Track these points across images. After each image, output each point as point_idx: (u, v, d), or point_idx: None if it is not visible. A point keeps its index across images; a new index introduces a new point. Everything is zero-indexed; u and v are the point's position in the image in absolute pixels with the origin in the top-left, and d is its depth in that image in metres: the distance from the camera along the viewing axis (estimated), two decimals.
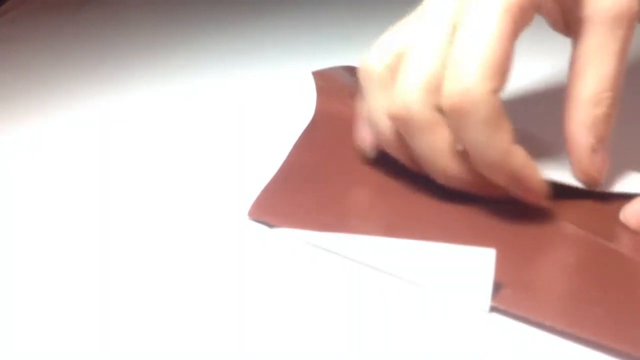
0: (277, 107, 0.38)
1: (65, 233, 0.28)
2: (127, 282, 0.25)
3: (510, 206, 0.27)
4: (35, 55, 0.49)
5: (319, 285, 0.25)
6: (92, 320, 0.23)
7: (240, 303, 0.24)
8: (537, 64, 0.41)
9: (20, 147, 0.35)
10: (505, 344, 0.22)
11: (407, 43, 0.26)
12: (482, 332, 0.22)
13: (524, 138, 0.30)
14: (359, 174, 0.31)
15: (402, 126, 0.26)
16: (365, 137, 0.30)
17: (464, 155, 0.25)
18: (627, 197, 0.27)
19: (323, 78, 0.39)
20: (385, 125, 0.27)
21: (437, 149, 0.25)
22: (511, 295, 0.23)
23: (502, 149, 0.24)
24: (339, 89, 0.37)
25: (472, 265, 0.23)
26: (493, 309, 0.23)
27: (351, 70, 0.38)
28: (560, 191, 0.28)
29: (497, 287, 0.23)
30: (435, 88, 0.24)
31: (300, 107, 0.37)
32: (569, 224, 0.26)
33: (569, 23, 0.26)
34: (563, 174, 0.28)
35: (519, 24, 0.23)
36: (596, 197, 0.28)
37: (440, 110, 0.25)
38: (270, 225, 0.28)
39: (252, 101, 0.39)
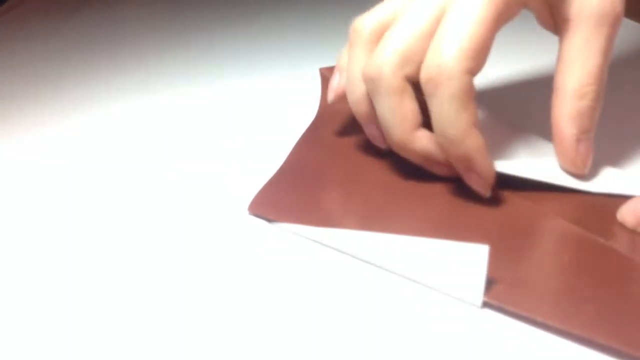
0: (281, 104, 0.38)
1: (65, 232, 0.28)
2: (129, 274, 0.25)
3: (506, 203, 0.28)
4: (35, 55, 0.49)
5: (316, 278, 0.25)
6: (95, 314, 0.23)
7: (239, 296, 0.24)
8: (528, 61, 0.41)
9: (20, 147, 0.35)
10: (497, 339, 0.22)
11: (396, 14, 0.28)
12: (474, 328, 0.22)
13: (509, 133, 0.30)
14: (359, 171, 0.31)
15: (372, 87, 0.27)
16: (373, 132, 0.30)
17: (421, 132, 0.27)
18: (625, 196, 0.27)
19: (330, 74, 0.39)
20: (359, 86, 0.29)
21: (398, 115, 0.27)
22: (504, 291, 0.23)
23: (463, 128, 0.25)
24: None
25: (466, 261, 0.23)
26: (485, 304, 0.23)
27: None
28: (557, 188, 0.28)
29: (490, 283, 0.23)
30: (410, 59, 0.26)
31: (304, 105, 0.37)
32: (564, 220, 0.26)
33: (556, 21, 0.28)
34: (545, 171, 0.28)
35: (502, 15, 0.25)
36: (594, 195, 0.28)
37: (411, 81, 0.27)
38: (269, 220, 0.28)
39: (256, 98, 0.39)
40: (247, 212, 0.28)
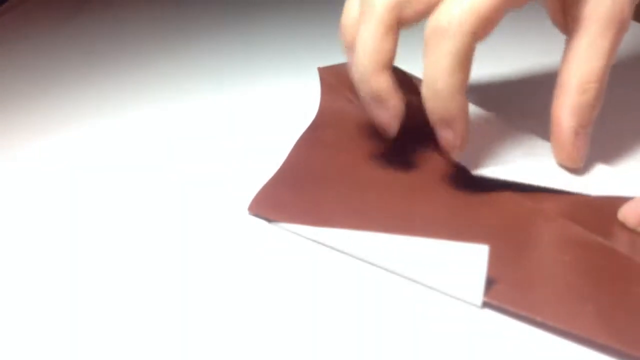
0: (281, 105, 0.38)
1: (65, 232, 0.28)
2: (129, 273, 0.25)
3: (506, 203, 0.28)
4: (36, 55, 0.49)
5: (316, 278, 0.25)
6: (96, 313, 0.23)
7: (239, 296, 0.24)
8: (529, 61, 0.41)
9: (19, 147, 0.35)
10: (497, 339, 0.22)
11: None
12: (474, 328, 0.22)
13: (506, 132, 0.30)
14: (359, 171, 0.31)
15: (363, 10, 0.28)
16: (380, 114, 0.30)
17: (386, 74, 0.28)
18: (625, 196, 0.27)
19: (328, 74, 0.39)
20: (353, 10, 0.29)
21: (375, 46, 0.27)
22: (504, 291, 0.23)
23: (453, 86, 0.26)
24: (343, 85, 0.37)
25: (465, 261, 0.23)
26: (485, 304, 0.23)
27: None
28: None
29: (490, 283, 0.23)
30: (409, 3, 0.27)
31: (304, 105, 0.37)
32: (565, 220, 0.26)
33: (567, 20, 0.29)
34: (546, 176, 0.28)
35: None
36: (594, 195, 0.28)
37: (401, 24, 0.27)
38: (269, 220, 0.28)
39: (256, 98, 0.39)
40: (247, 212, 0.28)
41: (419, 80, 0.27)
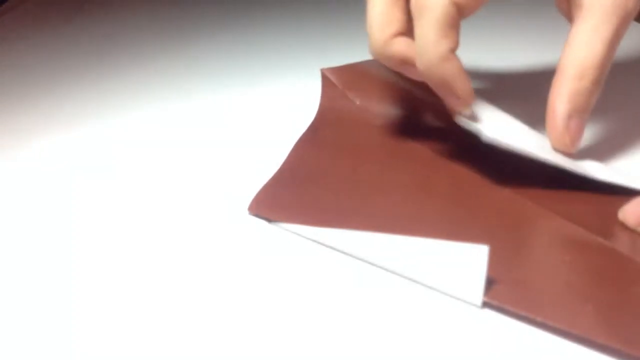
0: (281, 105, 0.38)
1: (66, 233, 0.28)
2: (129, 273, 0.25)
3: (506, 203, 0.28)
4: (35, 55, 0.49)
5: (316, 278, 0.25)
6: (96, 314, 0.23)
7: (239, 296, 0.24)
8: (530, 58, 0.41)
9: (19, 147, 0.35)
10: (497, 339, 0.22)
11: None
12: (474, 328, 0.22)
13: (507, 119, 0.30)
14: (359, 171, 0.31)
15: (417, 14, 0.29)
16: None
17: (401, 38, 0.29)
18: (626, 196, 0.27)
19: (331, 75, 0.39)
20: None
21: (384, 19, 0.29)
22: (504, 291, 0.23)
23: (442, 52, 0.27)
24: (345, 86, 0.37)
25: (465, 261, 0.23)
26: (485, 304, 0.23)
27: (361, 66, 0.38)
28: (558, 187, 0.28)
29: (490, 283, 0.23)
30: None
31: (304, 105, 0.37)
32: (565, 220, 0.26)
33: (570, 6, 0.29)
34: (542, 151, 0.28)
35: None
36: (596, 194, 0.28)
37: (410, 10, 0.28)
38: (269, 220, 0.28)
39: (256, 98, 0.39)
40: (247, 212, 0.28)
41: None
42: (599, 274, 0.24)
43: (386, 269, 0.25)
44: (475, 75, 0.40)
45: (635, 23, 0.44)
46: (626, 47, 0.41)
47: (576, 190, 0.28)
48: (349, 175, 0.30)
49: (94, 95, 0.41)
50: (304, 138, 0.34)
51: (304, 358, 0.21)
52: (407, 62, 0.29)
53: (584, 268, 0.24)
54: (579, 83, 0.27)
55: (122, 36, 0.52)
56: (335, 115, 0.35)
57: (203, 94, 0.41)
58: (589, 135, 0.33)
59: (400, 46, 0.29)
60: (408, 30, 0.29)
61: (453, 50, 0.27)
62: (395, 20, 0.29)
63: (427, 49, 0.27)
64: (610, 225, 0.26)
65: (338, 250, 0.26)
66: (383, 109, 0.35)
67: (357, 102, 0.36)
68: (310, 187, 0.30)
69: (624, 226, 0.26)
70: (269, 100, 0.39)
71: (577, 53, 0.28)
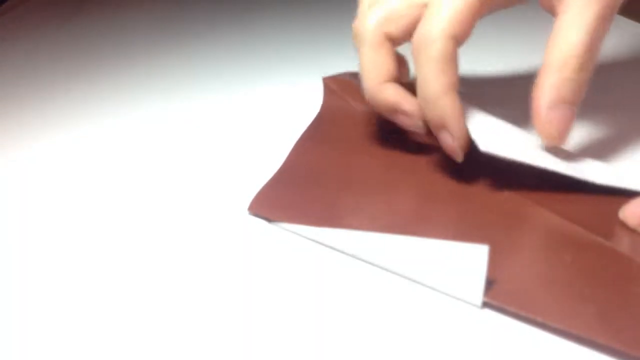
0: (281, 105, 0.38)
1: (66, 233, 0.28)
2: (129, 274, 0.25)
3: (506, 203, 0.28)
4: (35, 55, 0.49)
5: (316, 278, 0.25)
6: (94, 314, 0.23)
7: (239, 296, 0.24)
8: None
9: (19, 147, 0.35)
10: (497, 339, 0.22)
11: None
12: (474, 328, 0.22)
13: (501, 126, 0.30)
14: (359, 171, 0.31)
15: (356, 41, 0.31)
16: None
17: (391, 84, 0.30)
18: (627, 196, 0.27)
19: (333, 82, 0.39)
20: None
21: (372, 65, 0.30)
22: (504, 291, 0.23)
23: (440, 89, 0.27)
24: (346, 92, 0.37)
25: (465, 261, 0.23)
26: (485, 304, 0.23)
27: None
28: (558, 187, 0.28)
29: (490, 283, 0.23)
30: (391, 19, 0.29)
31: (304, 105, 0.37)
32: (565, 221, 0.26)
33: (553, 2, 0.29)
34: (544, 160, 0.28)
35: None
36: (596, 194, 0.28)
37: (392, 40, 0.30)
38: (269, 220, 0.28)
39: (256, 99, 0.39)
40: (247, 212, 0.28)
41: None
42: (599, 274, 0.24)
43: (386, 269, 0.25)
44: (472, 77, 0.40)
45: (635, 23, 0.45)
46: (626, 47, 0.41)
47: (576, 190, 0.28)
48: (349, 176, 0.30)
49: (94, 95, 0.41)
50: (304, 138, 0.34)
51: (304, 358, 0.21)
52: (397, 109, 0.30)
53: (584, 268, 0.24)
54: (560, 74, 0.27)
55: (122, 36, 0.52)
56: (335, 115, 0.35)
57: (202, 94, 0.41)
58: (589, 135, 0.33)
59: (390, 92, 0.30)
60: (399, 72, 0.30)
61: (452, 87, 0.27)
62: (383, 66, 0.30)
63: (427, 84, 0.27)
64: (610, 225, 0.26)
65: (338, 250, 0.26)
66: None
67: (359, 108, 0.36)
68: (311, 187, 0.30)
69: (624, 226, 0.26)
70: (269, 100, 0.39)
71: (557, 43, 0.27)
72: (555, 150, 0.29)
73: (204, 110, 0.38)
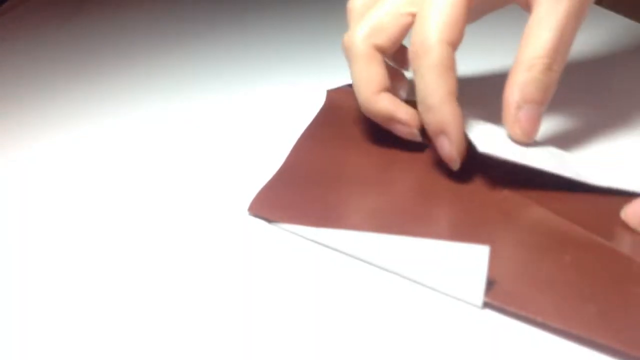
0: (281, 105, 0.38)
1: (66, 233, 0.28)
2: (129, 274, 0.25)
3: (506, 203, 0.28)
4: (35, 55, 0.49)
5: (316, 279, 0.25)
6: (94, 314, 0.23)
7: (239, 296, 0.24)
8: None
9: (19, 147, 0.35)
10: (498, 339, 0.22)
11: None
12: (474, 328, 0.22)
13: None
14: (359, 171, 0.31)
15: (347, 54, 0.31)
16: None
17: (385, 94, 0.30)
18: (628, 196, 0.27)
19: (336, 93, 0.38)
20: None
21: (364, 77, 0.30)
22: (504, 291, 0.23)
23: (440, 96, 0.27)
24: (349, 95, 0.37)
25: (466, 261, 0.23)
26: (486, 304, 0.23)
27: None
28: (558, 186, 0.28)
29: (491, 283, 0.23)
30: (379, 30, 0.30)
31: (304, 105, 0.37)
32: (566, 221, 0.26)
33: (529, 2, 0.29)
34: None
35: None
36: (596, 194, 0.28)
37: (381, 51, 0.30)
38: (269, 221, 0.28)
39: (256, 99, 0.39)
40: (247, 212, 0.28)
41: None
42: (599, 274, 0.24)
43: (386, 270, 0.25)
44: (469, 77, 0.40)
45: (635, 23, 0.44)
46: (626, 47, 0.41)
47: (576, 190, 0.28)
48: (348, 176, 0.30)
49: (93, 95, 0.41)
50: (303, 138, 0.34)
51: (304, 358, 0.21)
52: (393, 118, 0.30)
53: (585, 268, 0.24)
54: (527, 74, 0.27)
55: (122, 36, 0.52)
56: (335, 115, 0.35)
57: (202, 94, 0.41)
58: (589, 134, 0.33)
59: (384, 102, 0.30)
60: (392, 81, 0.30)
61: (452, 93, 0.27)
62: (376, 77, 0.30)
63: (428, 91, 0.27)
64: (611, 225, 0.26)
65: (338, 250, 0.26)
66: None
67: (359, 108, 0.36)
68: (310, 187, 0.30)
69: (624, 226, 0.26)
70: (269, 100, 0.39)
71: (528, 42, 0.28)
72: (554, 152, 0.29)
73: (204, 111, 0.38)
